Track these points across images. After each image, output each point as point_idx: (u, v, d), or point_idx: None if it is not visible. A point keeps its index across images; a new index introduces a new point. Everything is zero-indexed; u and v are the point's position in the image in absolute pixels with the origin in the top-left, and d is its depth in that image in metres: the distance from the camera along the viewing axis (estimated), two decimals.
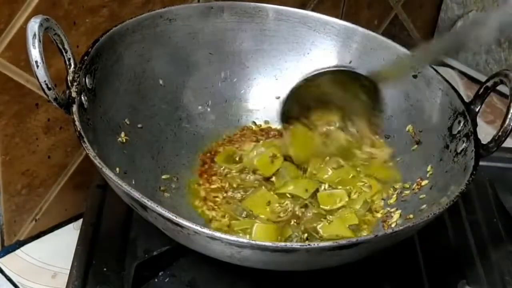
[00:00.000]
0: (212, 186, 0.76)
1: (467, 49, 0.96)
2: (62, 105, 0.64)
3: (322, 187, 0.76)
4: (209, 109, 0.82)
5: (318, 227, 0.72)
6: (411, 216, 0.70)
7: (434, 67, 0.77)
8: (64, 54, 0.66)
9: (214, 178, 0.77)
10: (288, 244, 0.58)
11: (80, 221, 0.76)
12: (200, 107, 0.81)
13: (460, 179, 0.66)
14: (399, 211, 0.73)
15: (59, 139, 0.79)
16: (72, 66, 0.66)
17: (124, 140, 0.73)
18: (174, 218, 0.57)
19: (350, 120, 0.78)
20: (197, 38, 0.80)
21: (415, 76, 0.77)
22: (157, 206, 0.57)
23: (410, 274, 0.72)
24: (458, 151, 0.70)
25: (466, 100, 0.72)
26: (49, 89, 0.62)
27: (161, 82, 0.78)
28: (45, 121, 0.77)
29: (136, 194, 0.58)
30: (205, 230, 0.56)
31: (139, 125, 0.75)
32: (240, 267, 0.61)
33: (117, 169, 0.68)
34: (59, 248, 0.81)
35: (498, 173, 0.88)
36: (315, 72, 0.76)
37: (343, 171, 0.77)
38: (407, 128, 0.78)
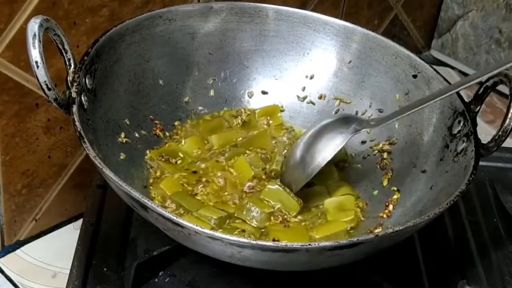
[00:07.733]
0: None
1: None
2: (62, 105, 0.64)
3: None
4: (209, 109, 0.82)
5: None
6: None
7: (434, 67, 0.77)
8: (64, 54, 0.66)
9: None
10: (289, 244, 0.58)
11: (80, 221, 0.76)
12: (200, 107, 0.81)
13: (460, 179, 0.66)
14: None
15: (59, 139, 0.79)
16: (72, 66, 0.66)
17: (124, 141, 0.73)
18: (175, 218, 0.57)
19: None
20: (197, 38, 0.80)
21: (415, 76, 0.77)
22: (157, 206, 0.57)
23: (410, 274, 0.72)
24: (458, 151, 0.70)
25: (466, 100, 0.72)
26: (49, 89, 0.62)
27: (161, 82, 0.78)
28: (45, 121, 0.77)
29: (136, 194, 0.58)
30: (206, 230, 0.56)
31: (139, 125, 0.75)
32: (240, 267, 0.61)
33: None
34: (59, 248, 0.81)
35: (498, 173, 0.88)
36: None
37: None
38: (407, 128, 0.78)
